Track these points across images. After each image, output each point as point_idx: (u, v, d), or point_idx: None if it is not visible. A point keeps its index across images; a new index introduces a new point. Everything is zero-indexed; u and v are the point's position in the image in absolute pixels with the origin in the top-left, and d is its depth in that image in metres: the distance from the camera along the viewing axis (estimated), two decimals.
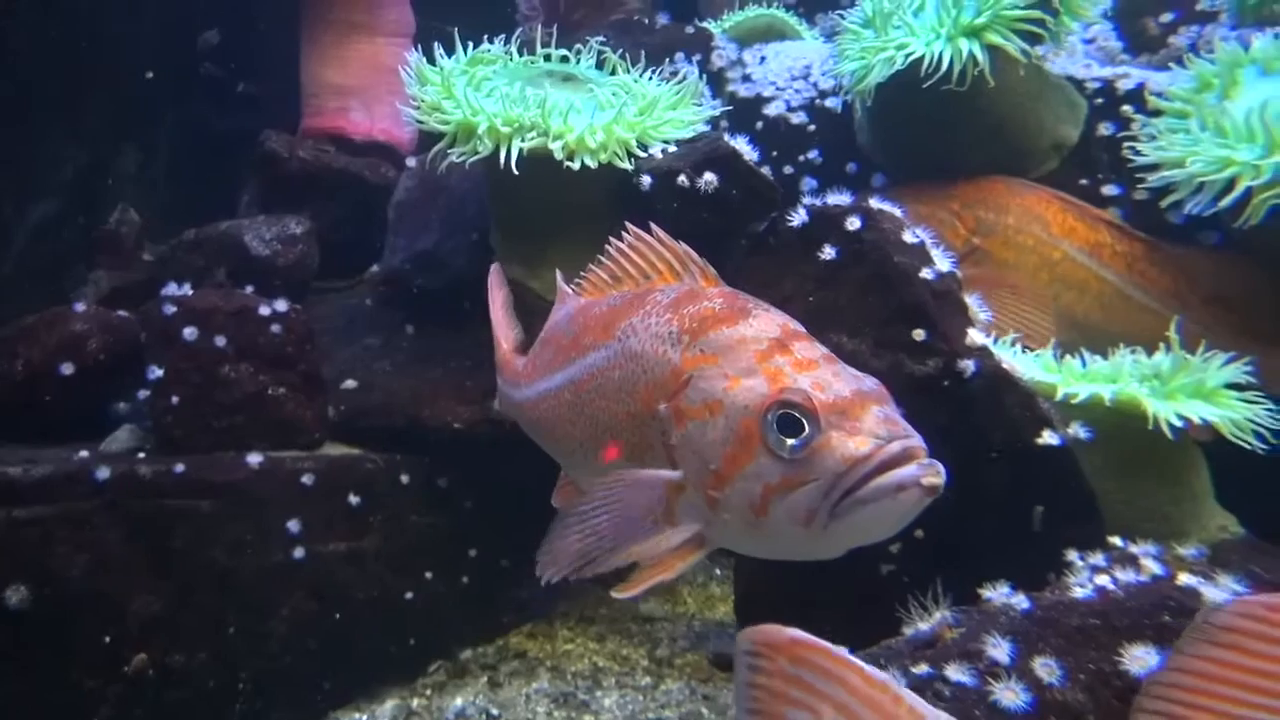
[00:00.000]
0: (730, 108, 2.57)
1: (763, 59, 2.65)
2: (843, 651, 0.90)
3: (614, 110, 1.93)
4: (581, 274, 1.46)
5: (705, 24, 2.79)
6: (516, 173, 1.89)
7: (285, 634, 1.85)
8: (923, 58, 1.88)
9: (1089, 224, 1.92)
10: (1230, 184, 1.56)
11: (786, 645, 0.90)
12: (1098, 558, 1.15)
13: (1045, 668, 0.98)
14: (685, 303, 1.19)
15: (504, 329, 1.68)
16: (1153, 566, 1.10)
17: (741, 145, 1.79)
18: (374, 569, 1.97)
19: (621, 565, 1.13)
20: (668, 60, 2.54)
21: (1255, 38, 1.75)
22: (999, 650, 1.02)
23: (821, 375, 1.06)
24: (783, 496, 1.02)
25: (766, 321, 1.14)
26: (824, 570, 1.64)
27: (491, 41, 2.20)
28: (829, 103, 2.34)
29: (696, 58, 2.64)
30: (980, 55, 1.83)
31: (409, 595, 2.00)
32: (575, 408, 1.32)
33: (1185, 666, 0.81)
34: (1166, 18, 2.21)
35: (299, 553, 1.85)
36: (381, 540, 1.99)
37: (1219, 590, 1.02)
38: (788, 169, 2.40)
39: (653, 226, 1.33)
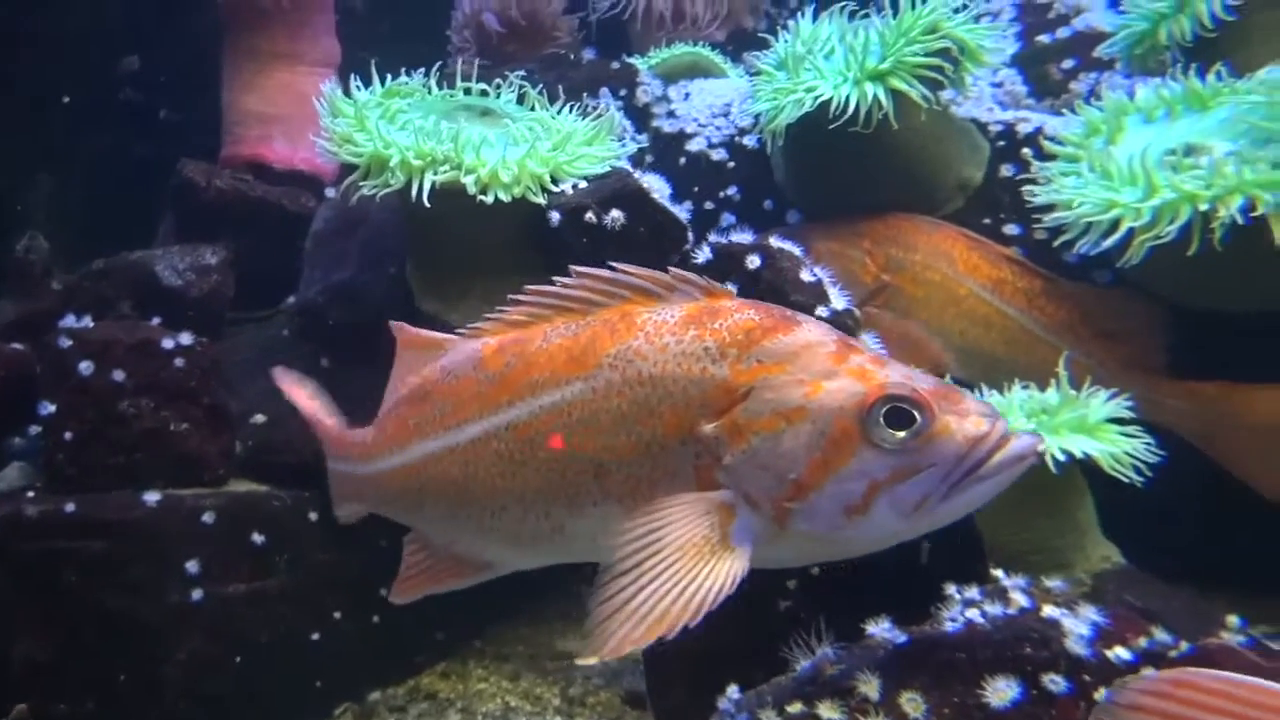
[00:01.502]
0: (653, 143, 2.61)
1: (687, 95, 2.69)
2: None
3: (527, 145, 1.93)
4: (483, 318, 1.35)
5: (631, 60, 2.82)
6: (429, 206, 1.88)
7: (180, 679, 1.78)
8: (830, 100, 1.93)
9: (992, 261, 1.97)
10: (1115, 225, 1.61)
11: None
12: (973, 591, 1.17)
13: (911, 702, 1.00)
14: (708, 318, 1.14)
15: (318, 406, 1.60)
16: (1020, 599, 1.12)
17: (650, 181, 1.80)
18: (278, 610, 1.91)
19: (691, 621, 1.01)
20: (588, 95, 2.56)
21: (1139, 87, 1.82)
22: (869, 686, 1.03)
23: (900, 369, 1.09)
24: (890, 490, 1.03)
25: (817, 325, 1.15)
26: (725, 608, 1.64)
27: (410, 74, 2.20)
28: (747, 140, 2.38)
29: (622, 93, 2.67)
30: (884, 99, 1.88)
31: (315, 636, 1.95)
32: (514, 457, 1.23)
33: None
34: (1067, 64, 2.30)
35: (197, 594, 1.79)
36: (287, 580, 1.94)
37: (1079, 622, 1.05)
38: (708, 204, 2.42)
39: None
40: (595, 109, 2.20)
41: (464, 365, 1.32)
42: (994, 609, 1.10)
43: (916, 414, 1.02)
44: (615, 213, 1.75)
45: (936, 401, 1.03)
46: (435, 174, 1.90)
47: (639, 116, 2.66)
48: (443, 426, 1.32)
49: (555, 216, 1.82)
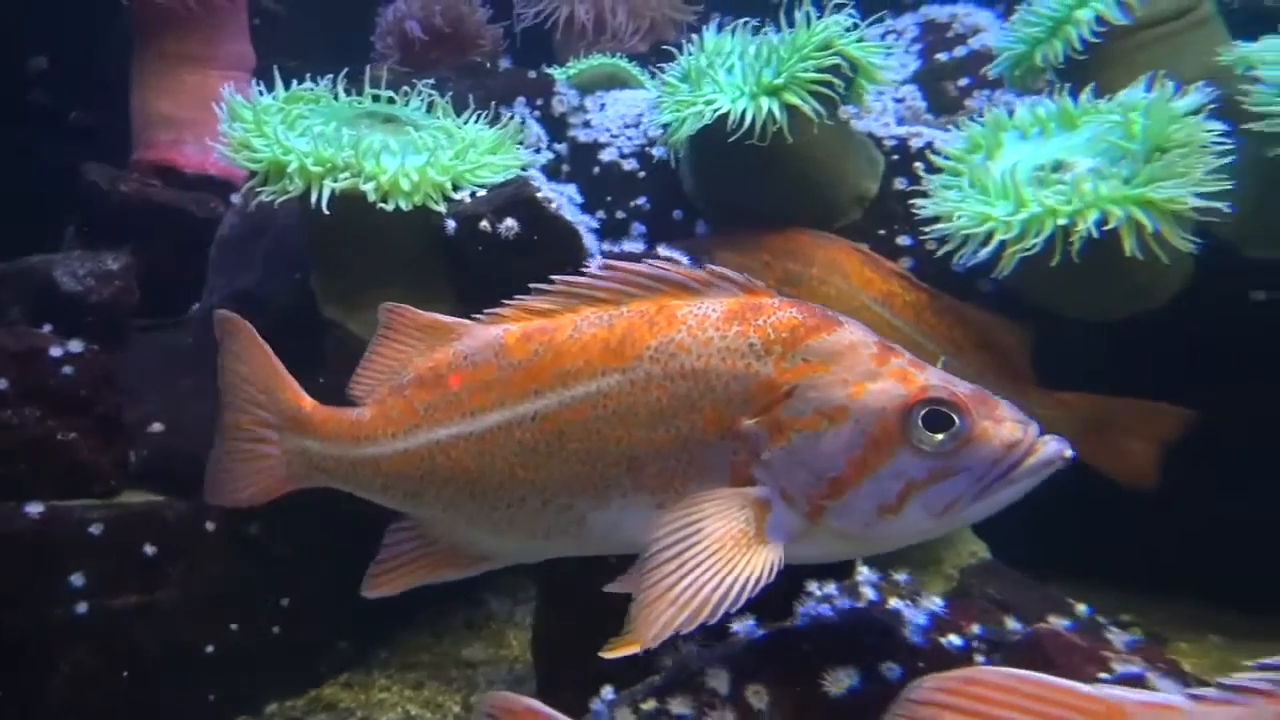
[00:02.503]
0: (570, 153, 2.63)
1: (603, 106, 2.71)
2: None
3: (428, 153, 1.94)
4: (502, 304, 1.33)
5: (548, 70, 2.84)
6: (328, 213, 1.88)
7: (65, 693, 1.74)
8: (728, 113, 1.97)
9: (883, 275, 2.03)
10: (989, 237, 1.68)
11: (522, 713, 0.92)
12: (830, 587, 1.21)
13: (755, 695, 1.03)
14: (751, 314, 1.16)
15: (288, 381, 1.50)
16: (869, 593, 1.16)
17: (546, 190, 1.82)
18: (170, 622, 1.88)
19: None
20: (504, 104, 2.57)
21: (1018, 106, 1.90)
22: (719, 681, 1.06)
23: (937, 373, 1.11)
24: (924, 490, 1.05)
25: (857, 325, 1.16)
26: (615, 611, 1.65)
27: (316, 81, 2.19)
28: (657, 151, 2.41)
29: (538, 102, 2.69)
30: (779, 113, 1.92)
31: (210, 649, 1.92)
32: (539, 448, 1.21)
33: None
34: (963, 82, 2.38)
35: (82, 607, 1.76)
36: (180, 591, 1.91)
37: (918, 612, 1.09)
38: (620, 214, 2.45)
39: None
40: (508, 118, 2.21)
41: (484, 351, 1.29)
42: (844, 603, 1.14)
43: (956, 418, 1.05)
44: (509, 221, 1.77)
45: (975, 406, 1.06)
46: (335, 181, 1.90)
47: (556, 126, 2.68)
48: (458, 412, 1.29)
49: (451, 225, 1.83)
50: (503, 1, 3.46)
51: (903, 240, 2.08)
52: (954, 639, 1.07)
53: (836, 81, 1.92)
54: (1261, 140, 1.64)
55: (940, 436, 1.05)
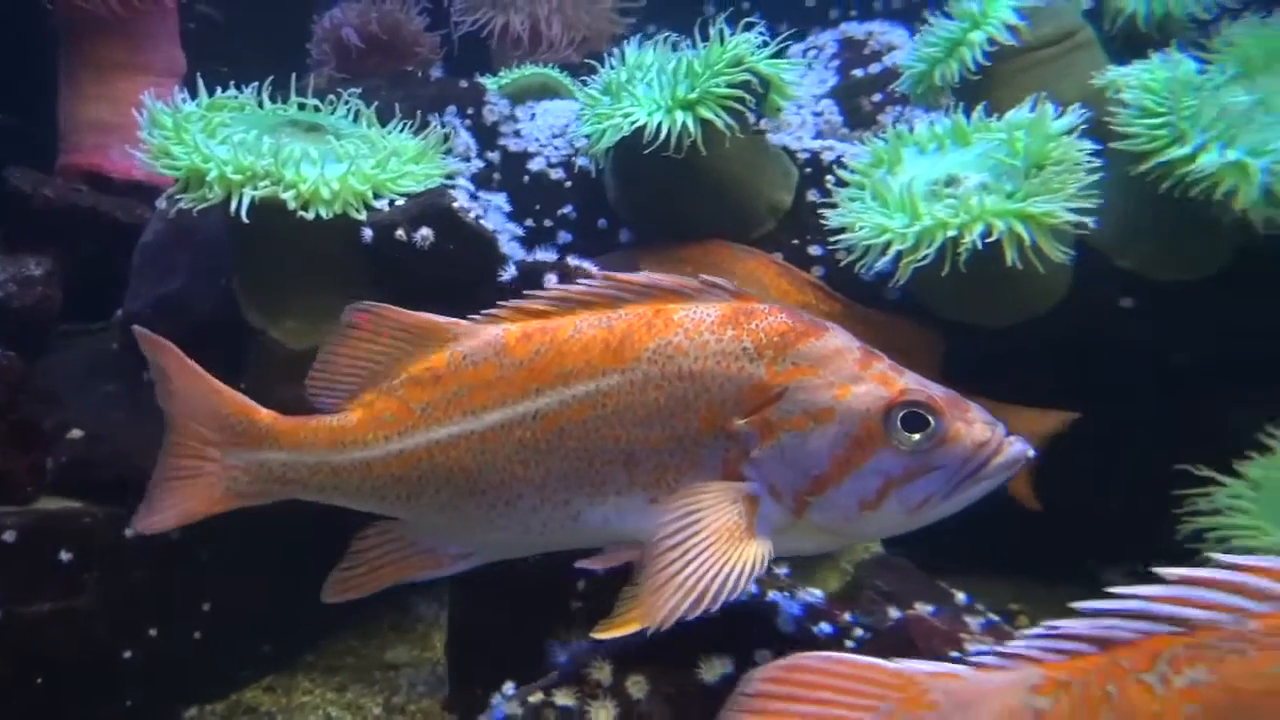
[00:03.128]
0: (501, 162, 2.67)
1: (533, 116, 2.76)
2: None
3: (349, 162, 1.97)
4: (499, 305, 1.36)
5: (480, 79, 2.88)
6: (247, 221, 1.90)
7: None
8: (645, 126, 2.03)
9: (798, 286, 2.10)
10: (887, 247, 1.76)
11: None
12: None
13: (635, 684, 1.09)
14: (744, 318, 1.22)
15: (231, 395, 1.50)
16: (750, 587, 1.23)
17: (463, 200, 1.87)
18: (86, 628, 1.88)
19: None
20: (435, 113, 2.61)
21: (917, 122, 1.99)
22: (602, 673, 1.12)
23: (915, 377, 1.18)
24: (902, 487, 1.13)
25: (841, 331, 1.23)
26: (528, 608, 1.70)
27: (242, 88, 2.20)
28: (582, 161, 2.47)
29: (469, 111, 2.73)
30: (693, 126, 1.99)
31: (128, 654, 1.93)
32: (539, 446, 1.25)
33: None
34: (876, 98, 2.47)
35: None
36: (97, 598, 1.91)
37: (794, 603, 1.16)
38: (547, 222, 2.50)
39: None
40: (433, 127, 2.25)
41: (484, 350, 1.32)
42: None
43: (931, 419, 1.13)
44: (424, 230, 1.80)
45: (949, 409, 1.14)
46: (254, 189, 1.92)
47: (487, 135, 2.72)
48: (458, 411, 1.31)
49: (368, 233, 1.86)
50: (440, 10, 3.50)
51: (814, 250, 2.16)
52: (825, 626, 1.14)
53: (748, 97, 1.99)
54: (1126, 159, 1.75)
55: (917, 436, 1.12)
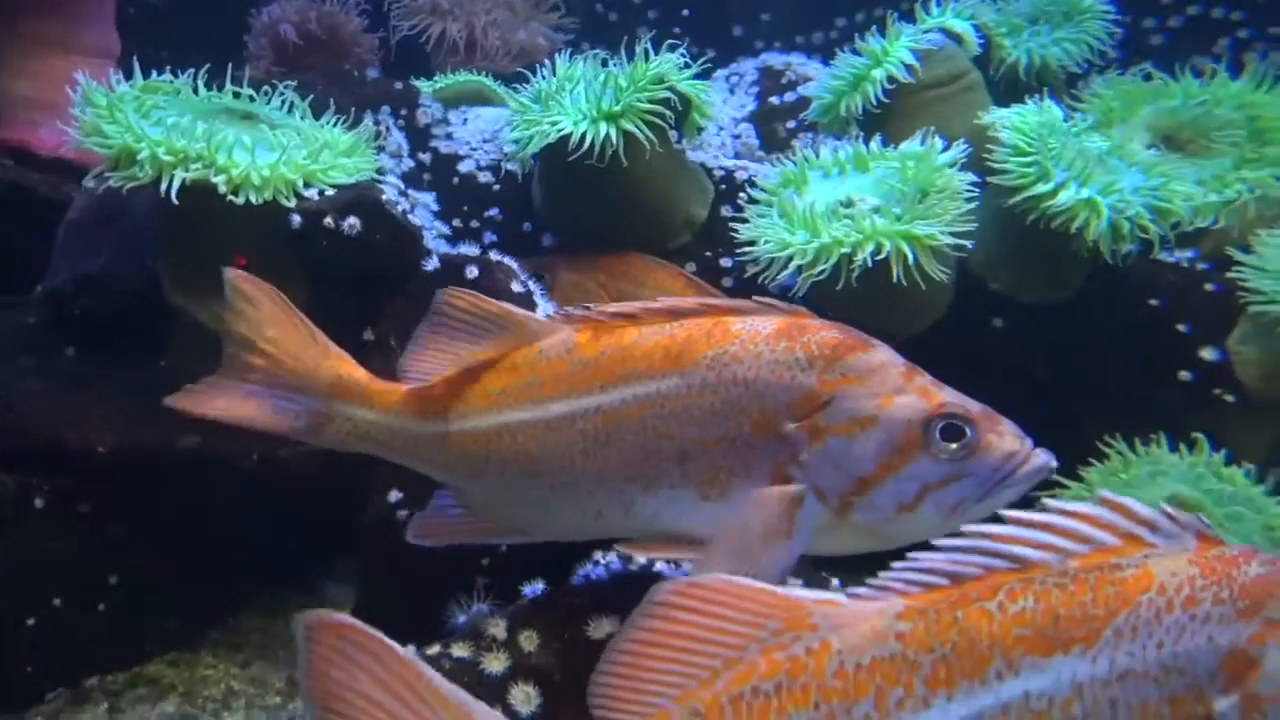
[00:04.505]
0: (432, 163, 2.76)
1: (465, 120, 2.86)
2: (381, 635, 1.03)
3: (282, 151, 2.04)
4: (577, 308, 1.47)
5: (415, 82, 2.97)
6: (177, 203, 1.95)
7: None
8: (570, 134, 2.15)
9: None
10: (788, 261, 1.91)
11: (336, 627, 1.04)
12: (611, 556, 1.38)
13: (528, 639, 1.19)
14: (797, 332, 1.31)
15: (330, 348, 1.57)
16: (639, 559, 1.35)
17: (392, 193, 1.95)
18: None
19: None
20: (368, 112, 2.68)
21: (823, 148, 2.17)
22: (498, 629, 1.22)
23: (953, 392, 1.29)
24: (937, 491, 1.22)
25: (886, 349, 1.33)
26: (434, 582, 1.77)
27: (178, 74, 2.25)
28: (511, 166, 2.57)
29: (403, 112, 2.81)
30: (615, 137, 2.12)
31: (30, 622, 1.94)
32: (598, 438, 1.34)
33: (631, 635, 1.00)
34: (791, 125, 2.65)
35: None
36: (3, 565, 1.92)
37: (679, 572, 1.28)
38: (474, 223, 2.59)
39: None
40: (370, 123, 2.32)
41: (558, 348, 1.42)
42: (616, 566, 1.32)
43: (968, 430, 1.23)
44: (352, 219, 1.88)
45: (983, 421, 1.25)
46: (186, 171, 1.97)
47: (419, 136, 2.81)
48: (528, 399, 1.41)
49: (296, 219, 1.93)
50: (380, 13, 3.57)
51: (725, 263, 2.31)
52: None
53: (668, 113, 2.13)
54: (1000, 191, 1.95)
55: (954, 445, 1.23)
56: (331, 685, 0.98)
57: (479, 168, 2.64)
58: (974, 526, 0.94)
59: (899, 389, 1.28)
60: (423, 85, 2.98)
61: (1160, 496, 1.65)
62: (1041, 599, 0.90)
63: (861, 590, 0.94)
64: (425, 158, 2.77)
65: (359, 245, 1.90)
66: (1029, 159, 1.87)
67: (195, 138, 2.00)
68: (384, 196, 1.91)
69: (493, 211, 2.57)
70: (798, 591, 0.95)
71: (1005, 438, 1.26)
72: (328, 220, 1.89)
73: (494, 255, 1.78)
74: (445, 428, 1.47)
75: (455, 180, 2.69)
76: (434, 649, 1.21)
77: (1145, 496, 1.38)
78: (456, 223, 2.59)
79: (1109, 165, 1.89)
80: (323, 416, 1.53)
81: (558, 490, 1.39)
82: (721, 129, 2.73)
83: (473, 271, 1.74)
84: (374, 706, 0.96)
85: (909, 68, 2.18)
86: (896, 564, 0.95)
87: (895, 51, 2.18)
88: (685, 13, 3.58)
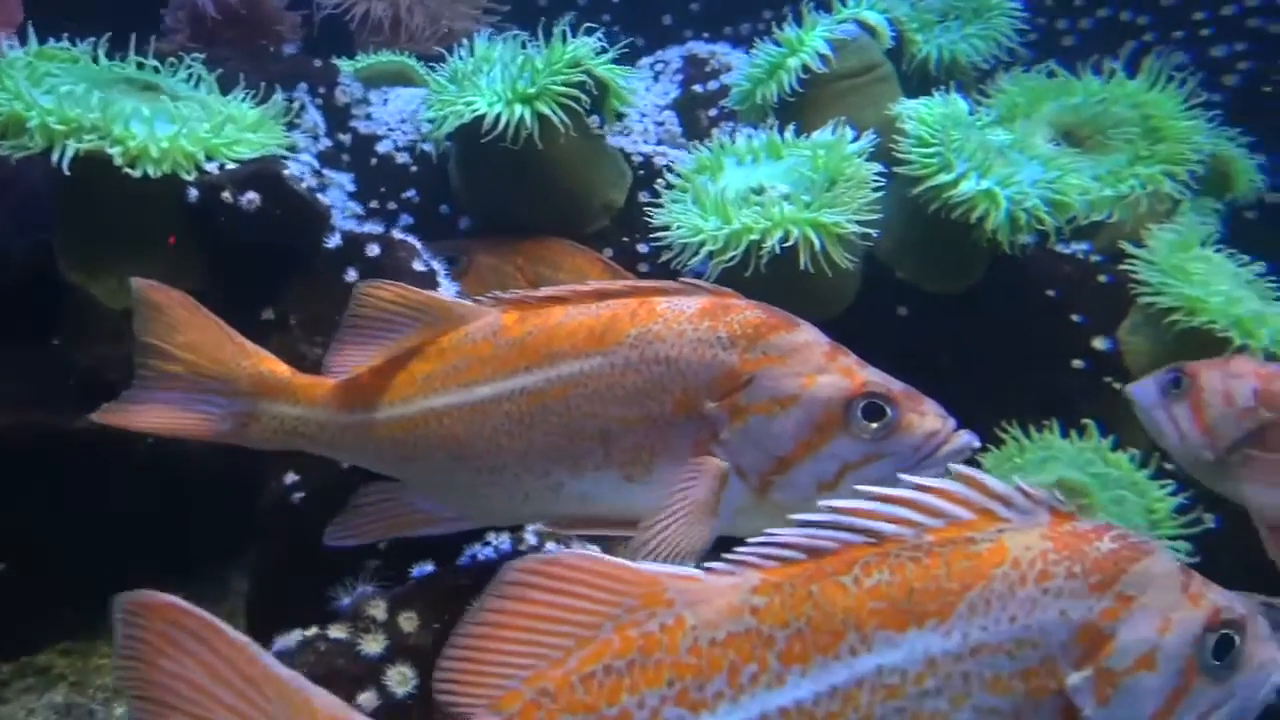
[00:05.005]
0: (352, 142, 2.70)
1: (386, 100, 2.81)
2: (209, 616, 0.99)
3: (182, 123, 1.97)
4: (497, 295, 1.46)
5: (335, 61, 2.90)
6: (69, 174, 1.88)
7: None
8: (485, 115, 2.12)
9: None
10: (700, 247, 1.92)
11: (159, 608, 0.98)
12: (503, 537, 1.37)
13: (408, 620, 1.18)
14: (720, 311, 1.31)
15: (249, 347, 1.55)
16: (529, 539, 1.34)
17: (295, 169, 1.91)
18: None
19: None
20: (284, 89, 2.61)
21: (738, 136, 2.18)
22: (377, 610, 1.20)
23: (876, 372, 1.28)
24: (857, 471, 1.22)
25: (811, 329, 1.33)
26: (327, 568, 1.74)
27: (75, 42, 2.16)
28: (426, 147, 2.53)
29: (321, 91, 2.74)
30: (529, 120, 2.10)
31: None
32: (523, 420, 1.33)
33: (476, 618, 0.97)
34: (713, 113, 2.66)
35: None
36: None
37: (546, 553, 1.28)
38: (391, 205, 2.55)
39: None
40: (279, 99, 2.26)
41: (484, 330, 1.42)
42: (505, 547, 1.31)
43: (888, 409, 1.23)
44: (251, 194, 1.84)
45: (905, 401, 1.25)
46: (79, 142, 1.90)
47: (338, 116, 2.75)
48: (454, 383, 1.39)
49: (193, 193, 1.88)
50: None
51: (642, 248, 2.31)
52: None
53: (583, 97, 2.12)
54: (905, 181, 1.98)
55: (874, 425, 1.24)
56: (153, 672, 0.90)
57: (397, 148, 2.60)
58: (831, 501, 0.95)
59: (821, 368, 1.29)
60: (344, 64, 2.91)
61: (1049, 480, 1.70)
62: (896, 572, 0.91)
63: (718, 565, 0.94)
64: (345, 138, 2.72)
65: (258, 221, 1.85)
66: (932, 150, 1.91)
67: (90, 107, 1.93)
68: (286, 172, 1.86)
69: (410, 193, 2.53)
70: (654, 567, 0.95)
71: (927, 417, 1.28)
72: (225, 194, 1.84)
73: (396, 234, 1.75)
74: (373, 416, 1.46)
75: (373, 161, 2.64)
76: (312, 631, 1.19)
77: (1035, 480, 1.42)
78: (373, 204, 2.54)
79: (1009, 158, 1.94)
80: (248, 416, 1.51)
81: (485, 473, 1.38)
82: (645, 115, 2.72)
83: (374, 249, 1.71)
84: (200, 694, 0.89)
85: (823, 57, 2.20)
86: (753, 539, 0.95)
87: (810, 41, 2.20)
88: (615, 0, 3.57)
